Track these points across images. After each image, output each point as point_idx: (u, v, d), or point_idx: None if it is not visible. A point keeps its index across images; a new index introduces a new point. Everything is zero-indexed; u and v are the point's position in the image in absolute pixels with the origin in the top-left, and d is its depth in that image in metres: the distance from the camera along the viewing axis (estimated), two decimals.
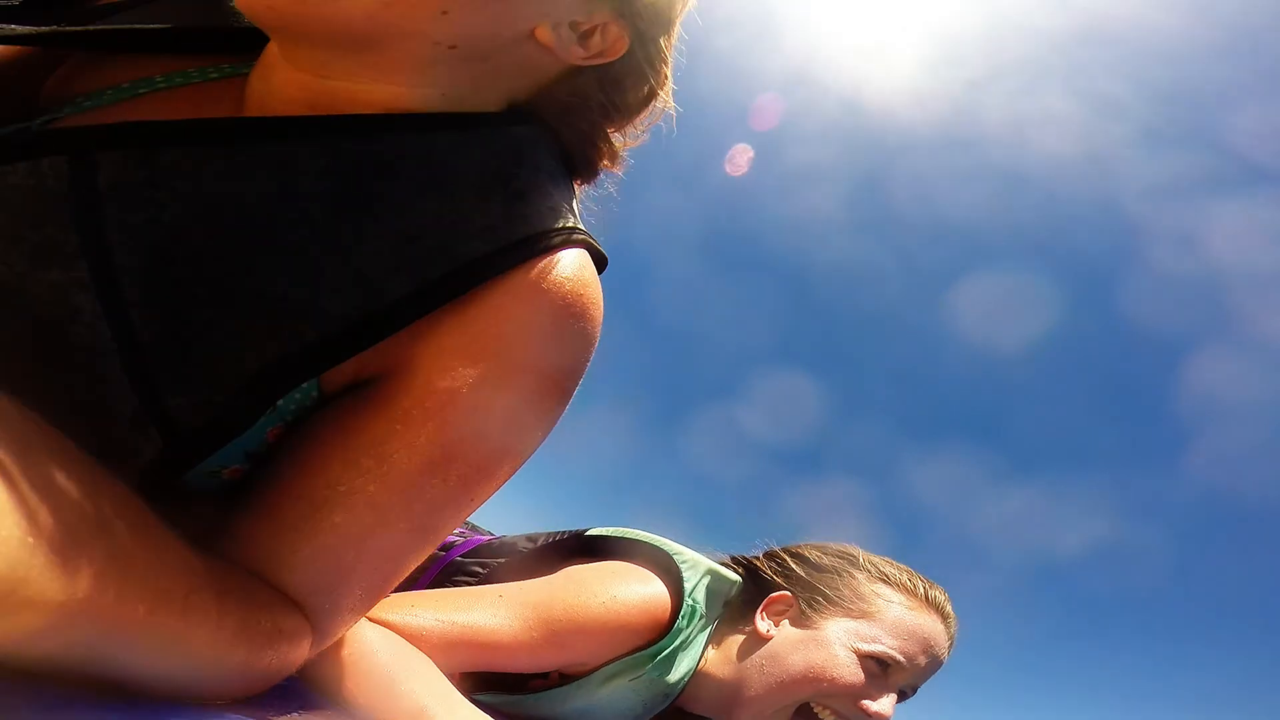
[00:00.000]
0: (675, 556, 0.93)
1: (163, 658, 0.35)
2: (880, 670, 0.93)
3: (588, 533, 0.99)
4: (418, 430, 0.47)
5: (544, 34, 0.51)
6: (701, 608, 0.93)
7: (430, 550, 0.52)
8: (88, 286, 0.41)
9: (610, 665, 0.87)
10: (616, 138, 0.63)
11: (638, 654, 0.87)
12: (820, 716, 0.93)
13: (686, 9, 0.59)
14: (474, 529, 1.16)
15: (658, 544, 0.95)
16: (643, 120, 0.63)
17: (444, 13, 0.47)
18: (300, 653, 0.46)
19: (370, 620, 0.67)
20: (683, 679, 0.92)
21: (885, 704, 0.92)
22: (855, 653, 0.93)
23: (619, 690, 0.88)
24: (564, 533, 1.01)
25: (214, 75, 0.55)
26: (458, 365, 0.48)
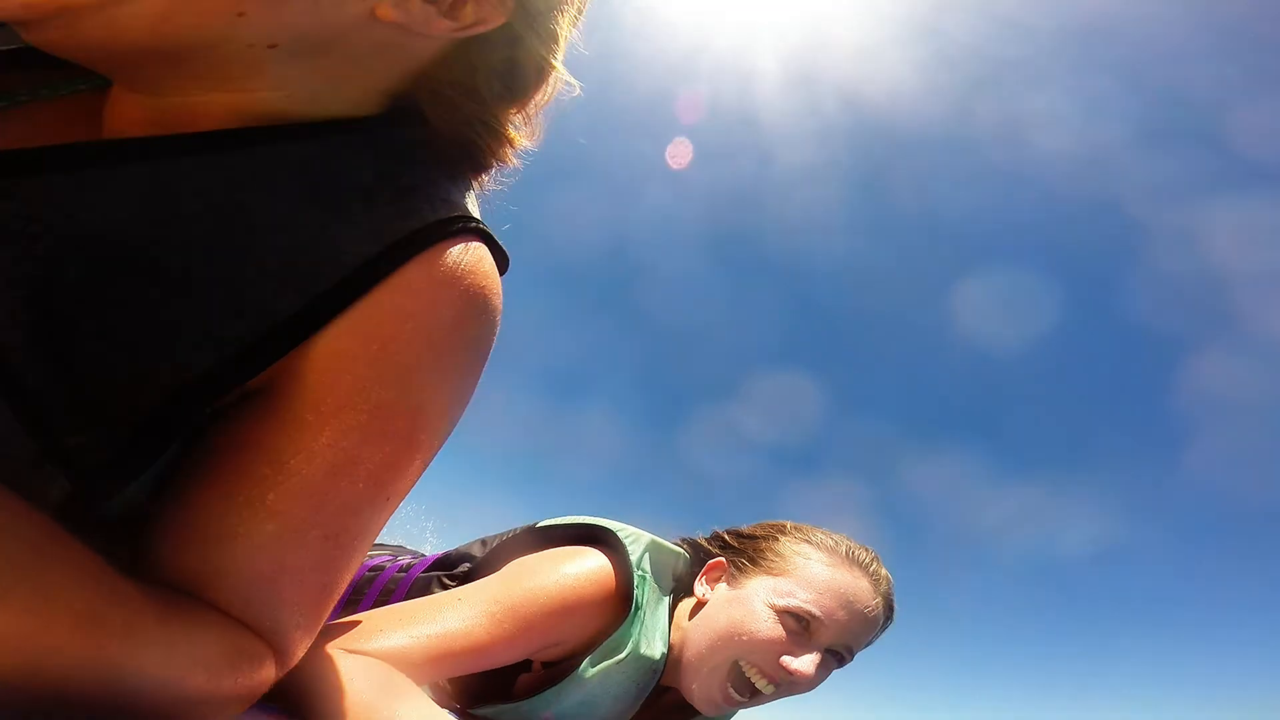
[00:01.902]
0: (619, 533, 0.95)
1: (114, 686, 0.35)
2: (800, 627, 0.92)
3: (537, 525, 1.01)
4: (314, 435, 0.45)
5: (386, 11, 0.46)
6: (650, 577, 0.95)
7: (360, 554, 0.50)
8: None
9: (593, 654, 0.88)
10: (515, 125, 0.57)
11: (614, 635, 0.89)
12: (750, 679, 0.93)
13: None
14: (398, 550, 1.16)
15: (600, 523, 0.98)
16: (539, 101, 0.57)
17: (240, 14, 0.43)
18: (267, 672, 0.45)
19: (345, 651, 0.67)
20: (664, 654, 0.94)
21: (805, 662, 0.91)
22: (772, 608, 0.93)
23: (610, 675, 0.89)
24: (513, 530, 1.03)
25: (83, 88, 0.51)
26: (353, 367, 0.45)
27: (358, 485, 0.46)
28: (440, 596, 0.83)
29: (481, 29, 0.49)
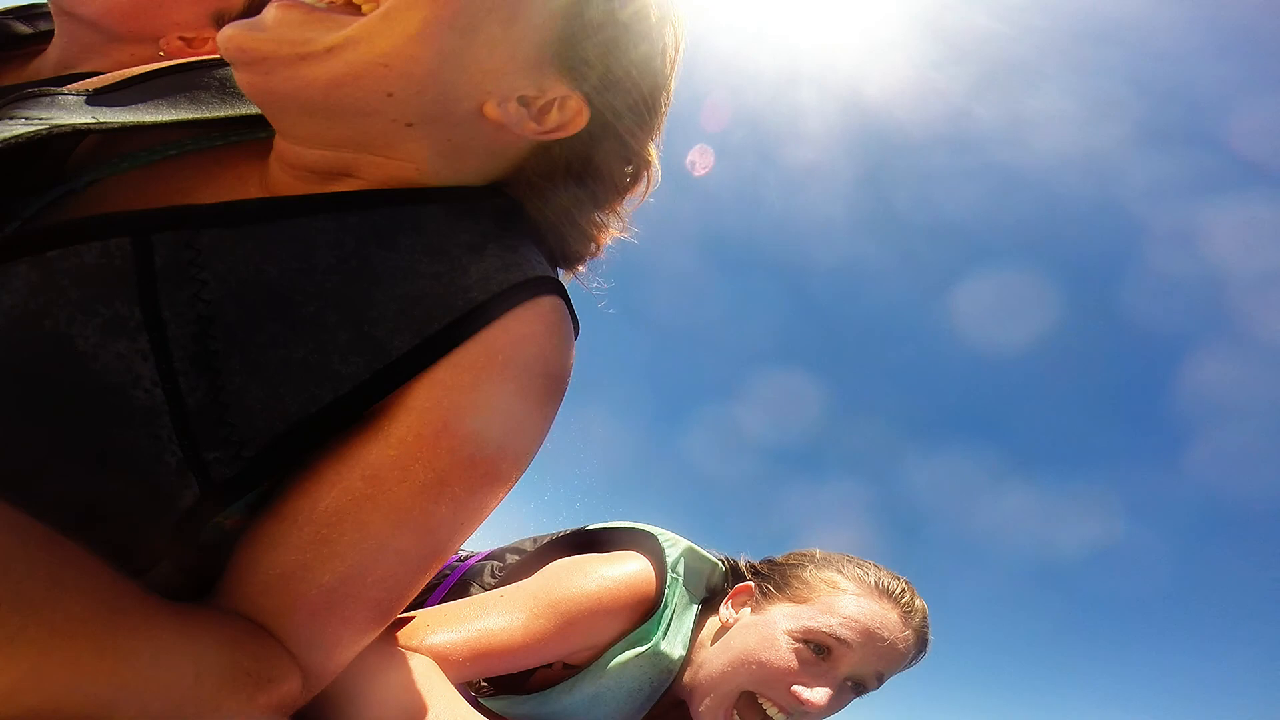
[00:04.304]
0: (659, 537, 0.99)
1: (129, 708, 0.37)
2: (816, 657, 0.91)
3: (585, 528, 1.06)
4: (414, 456, 0.50)
5: (492, 110, 0.55)
6: (682, 579, 0.97)
7: (426, 577, 0.55)
8: (148, 356, 0.46)
9: (616, 646, 0.91)
10: (602, 223, 0.65)
11: (640, 627, 0.91)
12: (765, 710, 0.92)
13: (667, 79, 0.60)
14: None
15: (642, 528, 1.02)
16: (631, 200, 0.65)
17: (389, 95, 0.52)
18: (292, 695, 0.49)
19: (392, 646, 0.71)
20: (680, 657, 0.95)
21: (818, 693, 0.89)
22: (790, 635, 0.92)
23: (628, 669, 0.91)
24: (564, 531, 1.08)
25: (234, 139, 0.60)
26: (455, 399, 0.51)
27: (441, 506, 0.52)
28: (487, 596, 0.85)
29: (561, 134, 0.57)
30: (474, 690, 0.95)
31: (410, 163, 0.56)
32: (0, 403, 0.43)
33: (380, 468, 0.50)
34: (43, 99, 0.56)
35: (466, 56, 0.52)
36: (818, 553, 1.04)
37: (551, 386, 0.56)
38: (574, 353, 0.58)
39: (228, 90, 0.62)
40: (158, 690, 0.39)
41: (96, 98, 0.58)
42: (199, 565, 0.50)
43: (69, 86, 0.60)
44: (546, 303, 0.56)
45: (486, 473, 0.53)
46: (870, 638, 0.92)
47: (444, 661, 0.73)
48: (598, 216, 0.65)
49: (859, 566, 1.00)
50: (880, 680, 0.96)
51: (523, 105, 0.55)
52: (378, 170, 0.56)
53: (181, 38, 0.97)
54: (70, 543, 0.37)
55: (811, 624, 0.92)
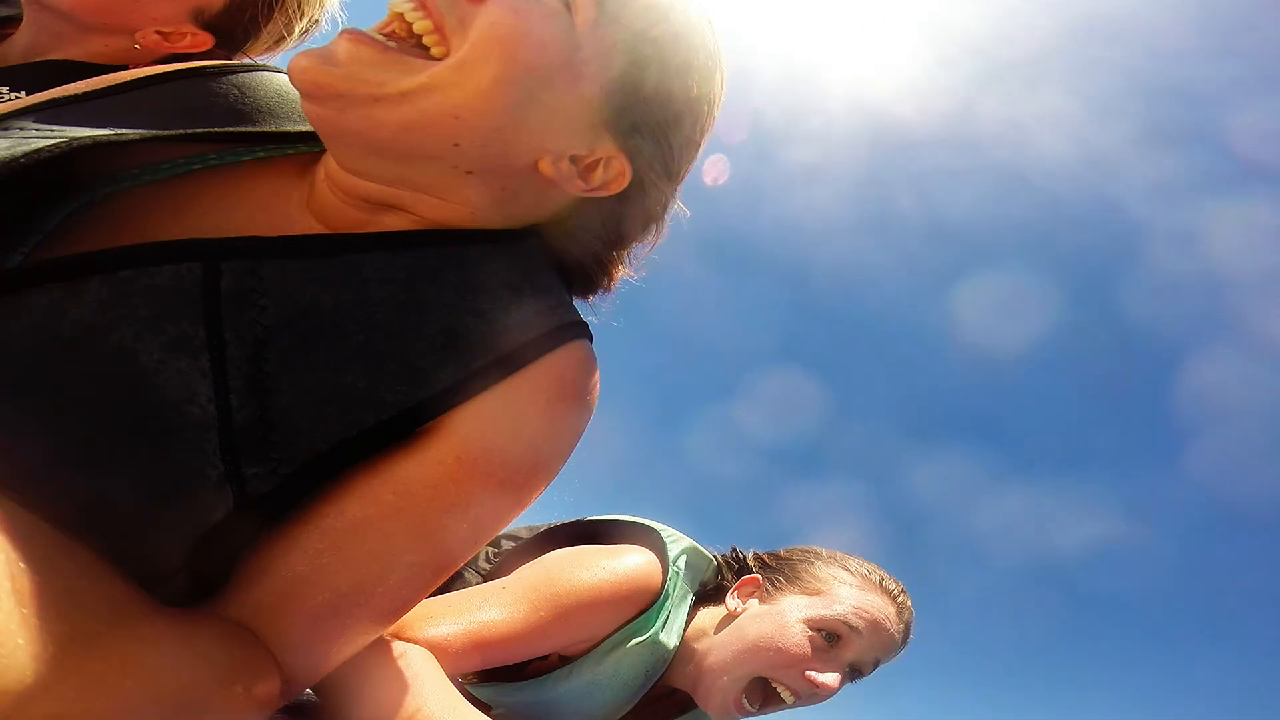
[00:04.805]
0: (661, 532, 1.01)
1: (129, 698, 0.38)
2: (827, 644, 0.99)
3: (585, 519, 1.07)
4: (448, 476, 0.53)
5: (545, 167, 0.58)
6: (683, 574, 1.00)
7: (430, 589, 0.58)
8: (207, 374, 0.48)
9: (614, 636, 0.92)
10: (620, 262, 0.71)
11: (639, 618, 0.93)
12: (779, 693, 0.99)
13: (699, 148, 0.65)
14: None
15: (646, 523, 1.04)
16: (643, 247, 0.70)
17: (455, 144, 0.54)
18: (272, 695, 0.49)
19: (393, 636, 0.72)
20: (675, 647, 0.98)
21: (830, 677, 0.97)
22: (804, 623, 0.99)
23: (626, 658, 0.93)
24: (560, 521, 1.09)
25: (261, 155, 0.62)
26: (495, 431, 0.55)
27: (462, 525, 0.55)
28: (487, 588, 0.86)
29: (603, 193, 0.61)
30: (462, 677, 0.96)
31: (463, 207, 0.59)
32: (57, 408, 0.45)
33: (413, 484, 0.52)
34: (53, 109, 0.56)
35: (531, 114, 0.55)
36: (822, 550, 1.12)
37: (579, 425, 0.61)
38: (598, 389, 0.63)
39: (249, 102, 0.62)
40: (161, 704, 0.39)
41: (103, 102, 0.58)
42: (208, 577, 0.51)
43: (64, 89, 0.59)
44: (579, 347, 0.60)
45: (512, 499, 0.58)
46: (876, 628, 1.00)
47: (441, 653, 0.74)
48: (617, 256, 0.70)
49: (862, 564, 1.09)
50: (875, 667, 1.05)
51: (573, 163, 0.59)
52: (431, 210, 0.59)
53: (159, 31, 0.95)
54: (84, 549, 0.38)
55: (826, 613, 0.99)
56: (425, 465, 0.53)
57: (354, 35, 0.53)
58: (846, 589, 1.03)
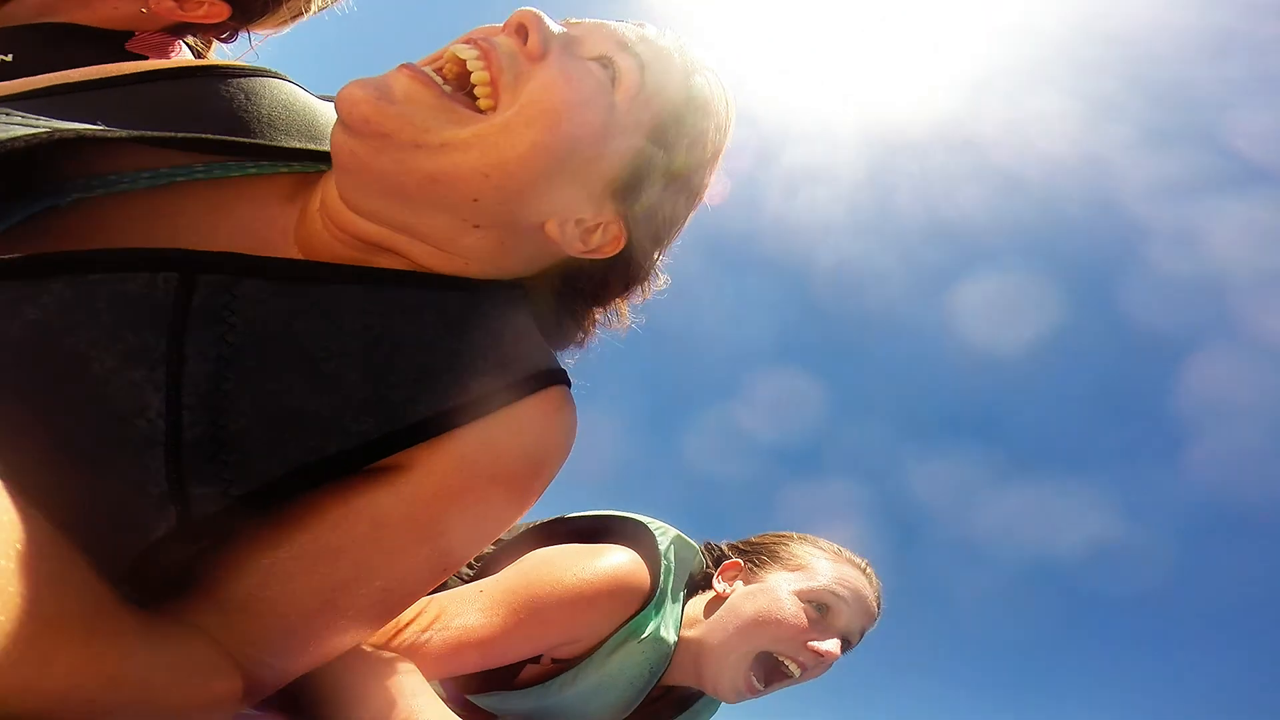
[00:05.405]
0: (648, 525, 1.02)
1: (100, 696, 0.37)
2: (819, 615, 1.03)
3: (565, 516, 1.06)
4: (423, 508, 0.53)
5: (552, 228, 0.59)
6: (674, 566, 1.01)
7: (398, 612, 0.59)
8: (160, 388, 0.46)
9: (614, 636, 0.91)
10: (598, 319, 0.71)
11: (636, 616, 0.93)
12: (784, 667, 1.01)
13: (685, 224, 0.67)
14: None
15: (632, 517, 1.04)
16: (623, 303, 0.71)
17: (475, 200, 0.54)
18: (234, 695, 0.49)
19: (371, 643, 0.70)
20: (675, 641, 0.99)
21: (831, 644, 1.01)
22: (796, 595, 1.02)
23: (630, 657, 0.92)
24: (540, 521, 1.08)
25: (252, 171, 0.60)
26: (473, 467, 0.55)
27: (435, 555, 0.55)
28: (463, 592, 0.85)
29: (598, 255, 0.62)
30: (462, 689, 0.95)
31: (460, 258, 0.59)
32: (4, 407, 0.44)
33: (391, 517, 0.53)
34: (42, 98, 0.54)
35: (555, 180, 0.55)
36: (792, 532, 1.18)
37: (553, 467, 0.61)
38: (575, 435, 0.63)
39: (252, 110, 0.61)
40: (143, 691, 0.39)
41: (91, 95, 0.56)
42: (155, 590, 0.49)
43: (59, 75, 0.57)
44: (556, 393, 0.61)
45: (482, 533, 0.59)
46: (857, 595, 1.06)
47: (420, 659, 0.73)
48: (594, 313, 0.71)
49: (828, 542, 1.15)
50: (860, 637, 1.10)
51: (577, 226, 0.60)
52: (425, 257, 0.58)
53: None
54: (68, 540, 0.37)
55: (813, 584, 1.04)
56: (403, 501, 0.53)
57: (414, 74, 0.52)
58: (823, 563, 1.08)
